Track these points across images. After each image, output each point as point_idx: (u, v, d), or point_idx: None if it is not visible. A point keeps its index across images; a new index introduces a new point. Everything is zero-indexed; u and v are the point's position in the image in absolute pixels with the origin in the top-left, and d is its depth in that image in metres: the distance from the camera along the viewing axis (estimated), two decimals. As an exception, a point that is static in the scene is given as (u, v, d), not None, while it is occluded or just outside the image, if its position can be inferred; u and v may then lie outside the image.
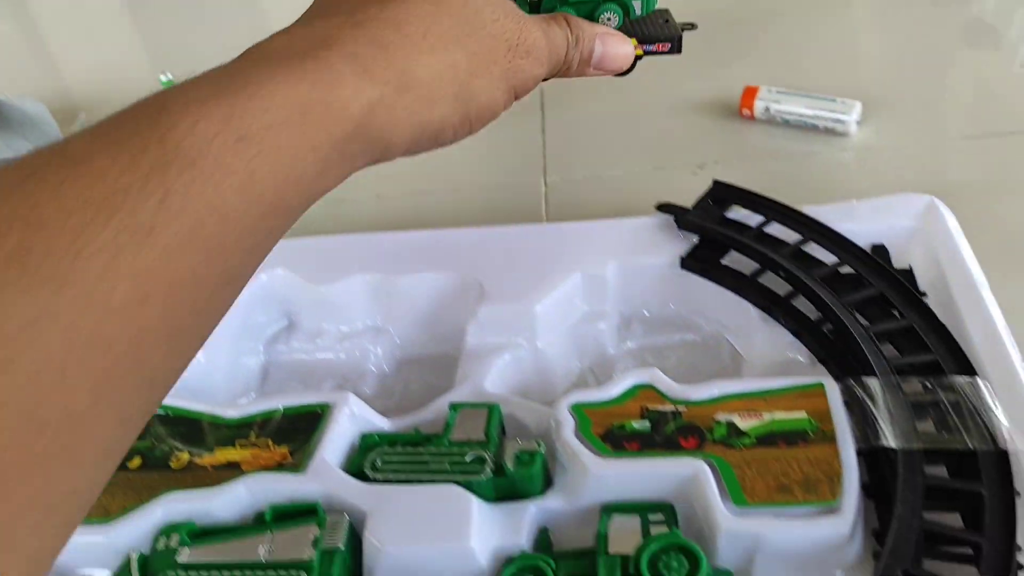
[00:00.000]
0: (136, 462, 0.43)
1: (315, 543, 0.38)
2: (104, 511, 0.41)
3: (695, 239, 0.52)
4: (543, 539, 0.40)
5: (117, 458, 0.21)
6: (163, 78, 0.67)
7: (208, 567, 0.38)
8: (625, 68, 0.39)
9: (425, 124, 0.29)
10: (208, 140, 0.22)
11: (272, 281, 0.54)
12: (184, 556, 0.38)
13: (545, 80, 0.36)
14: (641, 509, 0.39)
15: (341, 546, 0.38)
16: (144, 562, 0.39)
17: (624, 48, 0.38)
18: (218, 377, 0.51)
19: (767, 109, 0.66)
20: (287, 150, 0.23)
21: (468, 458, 0.41)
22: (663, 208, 0.54)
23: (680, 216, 0.53)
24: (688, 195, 0.58)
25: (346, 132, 0.26)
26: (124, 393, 0.20)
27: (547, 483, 0.42)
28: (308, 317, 0.54)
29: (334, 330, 0.54)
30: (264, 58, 0.25)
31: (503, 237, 0.54)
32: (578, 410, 0.43)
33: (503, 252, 0.53)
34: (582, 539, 0.40)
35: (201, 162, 0.21)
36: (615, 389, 0.44)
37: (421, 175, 0.68)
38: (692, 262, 0.51)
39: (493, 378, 0.48)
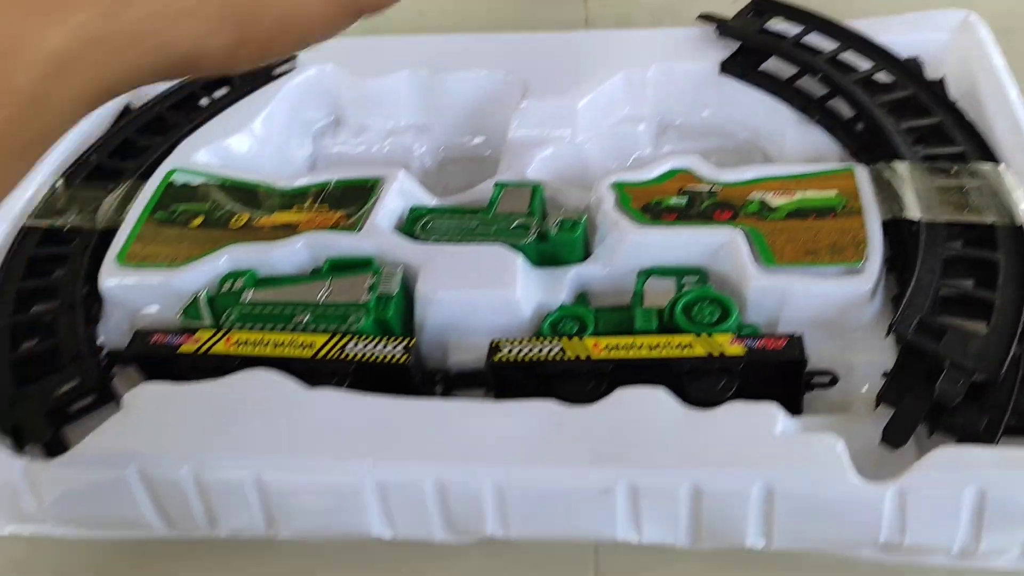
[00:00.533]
0: (198, 221, 0.46)
1: (371, 288, 0.41)
2: (170, 259, 0.43)
3: (735, 47, 0.54)
4: (582, 300, 0.43)
5: None
6: None
7: (271, 304, 0.41)
8: None
9: (163, 48, 0.23)
10: None
11: (321, 76, 0.56)
12: (248, 296, 0.41)
13: None
14: (676, 273, 0.42)
15: (395, 291, 0.41)
16: (211, 300, 0.42)
17: None
18: (268, 164, 0.53)
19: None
20: None
21: (512, 225, 0.44)
22: (705, 18, 0.55)
23: (721, 25, 0.54)
24: (728, 11, 0.59)
25: (45, 72, 0.22)
26: None
27: (585, 255, 0.44)
28: (354, 112, 0.56)
29: (379, 126, 0.56)
30: None
31: (548, 41, 0.55)
32: (619, 187, 0.45)
33: (548, 54, 0.54)
34: (619, 301, 0.43)
35: None
36: (655, 171, 0.46)
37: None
38: (732, 66, 0.53)
39: (536, 168, 0.50)
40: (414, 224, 0.45)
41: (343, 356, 0.37)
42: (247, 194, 0.48)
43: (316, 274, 0.43)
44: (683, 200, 0.44)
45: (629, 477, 0.33)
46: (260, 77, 0.55)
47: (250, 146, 0.52)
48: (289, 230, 0.45)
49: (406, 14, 0.67)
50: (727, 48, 0.54)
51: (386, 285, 0.41)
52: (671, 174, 0.46)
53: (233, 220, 0.46)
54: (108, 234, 0.46)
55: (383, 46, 0.56)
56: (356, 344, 0.38)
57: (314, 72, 0.55)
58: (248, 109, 0.53)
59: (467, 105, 0.55)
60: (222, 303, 0.41)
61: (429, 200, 0.48)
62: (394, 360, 0.37)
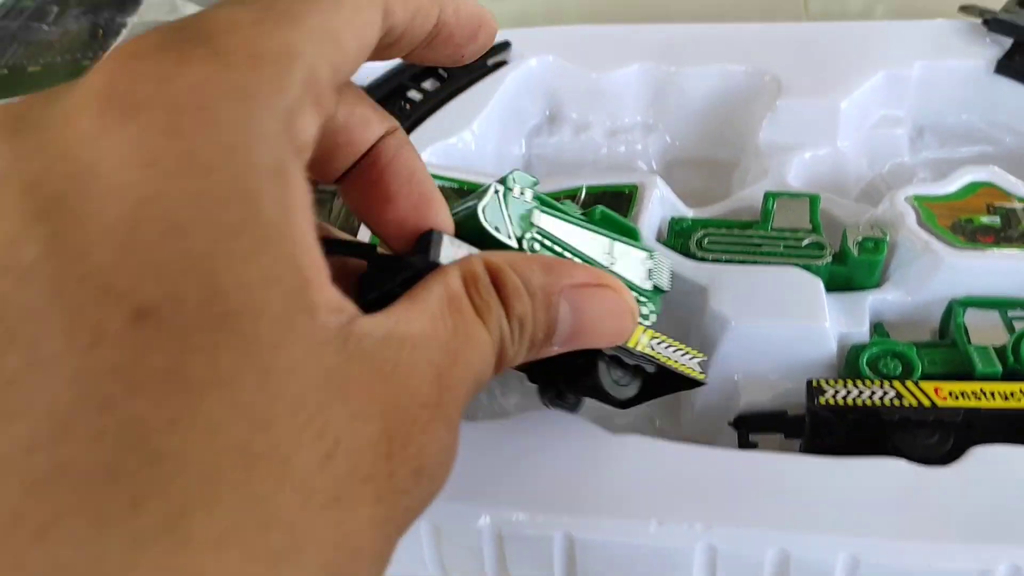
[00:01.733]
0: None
1: (649, 274, 0.35)
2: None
3: (1007, 43, 0.48)
4: (880, 331, 0.38)
5: None
6: None
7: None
8: (624, 335, 0.27)
9: None
10: None
11: (541, 68, 0.51)
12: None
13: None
14: (999, 304, 0.37)
15: (667, 289, 0.35)
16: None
17: (613, 304, 0.25)
18: (485, 162, 0.49)
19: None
20: None
21: (805, 242, 0.39)
22: (967, 9, 0.50)
23: (989, 18, 0.49)
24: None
25: None
26: None
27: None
28: (575, 108, 0.52)
29: (601, 124, 0.51)
30: None
31: (794, 32, 0.50)
32: (919, 202, 0.40)
33: (795, 47, 0.49)
34: (918, 335, 0.38)
35: None
36: (951, 185, 0.41)
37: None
38: (1008, 65, 0.47)
39: (794, 174, 0.45)
40: (681, 238, 0.40)
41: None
42: (488, 200, 0.43)
43: (589, 219, 0.33)
44: (996, 219, 0.39)
45: (1014, 558, 0.28)
46: (474, 69, 0.51)
47: (471, 144, 0.48)
48: (545, 243, 0.40)
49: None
50: (996, 44, 0.48)
51: (659, 276, 0.34)
52: (972, 188, 0.41)
53: (478, 229, 0.42)
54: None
55: (609, 35, 0.52)
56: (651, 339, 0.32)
57: (534, 64, 0.51)
58: (468, 106, 0.49)
59: (702, 103, 0.50)
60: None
61: (686, 210, 0.43)
62: (690, 375, 0.32)
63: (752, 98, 0.48)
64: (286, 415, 0.16)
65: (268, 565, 0.16)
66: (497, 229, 0.27)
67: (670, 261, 0.35)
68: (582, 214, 0.32)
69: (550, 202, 0.30)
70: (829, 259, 0.38)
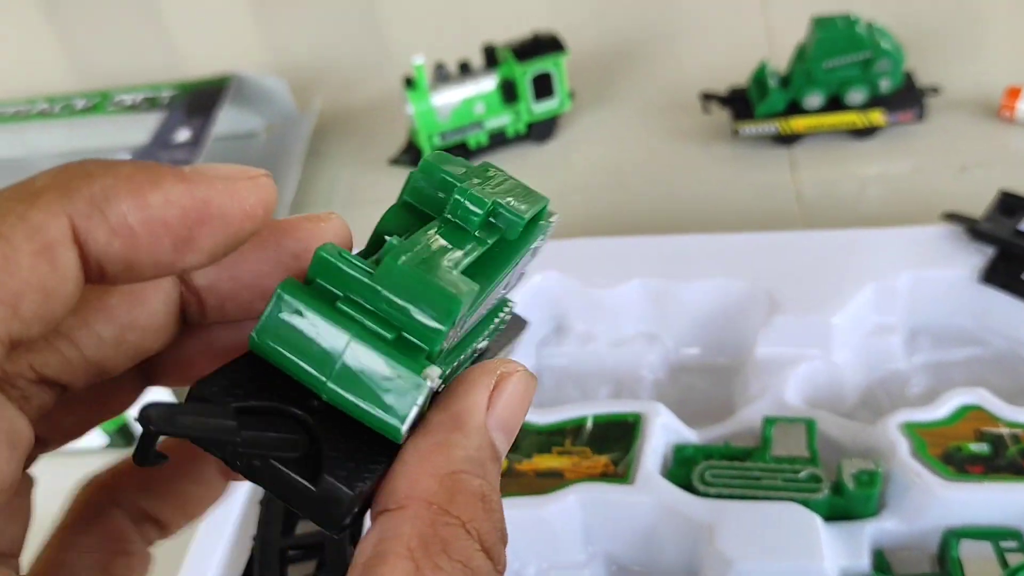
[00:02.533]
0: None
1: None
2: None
3: (990, 251, 0.51)
4: (880, 561, 0.39)
5: None
6: (417, 61, 0.66)
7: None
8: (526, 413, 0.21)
9: None
10: None
11: (545, 283, 0.54)
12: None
13: None
14: (990, 535, 0.38)
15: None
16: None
17: (526, 386, 0.21)
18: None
19: (1031, 113, 0.64)
20: None
21: (802, 475, 0.41)
22: (951, 217, 0.52)
23: (972, 227, 0.51)
24: (954, 198, 0.56)
25: None
26: None
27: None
28: (580, 320, 0.54)
29: (606, 335, 0.54)
30: None
31: (784, 242, 0.53)
32: (911, 431, 0.42)
33: (787, 258, 0.52)
34: (917, 564, 0.40)
35: None
36: (942, 409, 0.43)
37: (659, 176, 0.68)
38: (992, 275, 0.49)
39: (791, 391, 0.47)
40: (684, 468, 0.42)
41: None
42: (500, 432, 0.45)
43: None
44: (985, 447, 0.41)
45: None
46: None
47: (482, 364, 0.50)
48: (555, 478, 0.42)
49: (607, 205, 0.66)
50: (979, 251, 0.51)
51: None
52: (961, 412, 0.43)
53: (491, 464, 0.44)
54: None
55: (609, 249, 0.55)
56: None
57: (540, 279, 0.54)
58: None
59: (701, 314, 0.53)
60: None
61: (689, 434, 0.45)
62: None
63: (748, 311, 0.51)
64: None
65: None
66: (412, 427, 0.19)
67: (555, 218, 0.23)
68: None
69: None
70: (827, 492, 0.40)
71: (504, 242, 0.21)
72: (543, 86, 0.70)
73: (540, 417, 0.46)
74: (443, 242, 0.20)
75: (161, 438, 0.17)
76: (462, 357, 0.21)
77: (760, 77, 0.67)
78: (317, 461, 0.18)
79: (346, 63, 0.88)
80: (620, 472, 0.42)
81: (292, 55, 0.93)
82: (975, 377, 0.49)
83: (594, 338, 0.54)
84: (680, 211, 0.65)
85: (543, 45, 0.70)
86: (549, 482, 0.42)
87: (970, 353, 0.51)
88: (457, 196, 0.21)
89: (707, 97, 0.69)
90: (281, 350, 0.19)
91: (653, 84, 0.77)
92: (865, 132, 0.66)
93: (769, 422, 0.44)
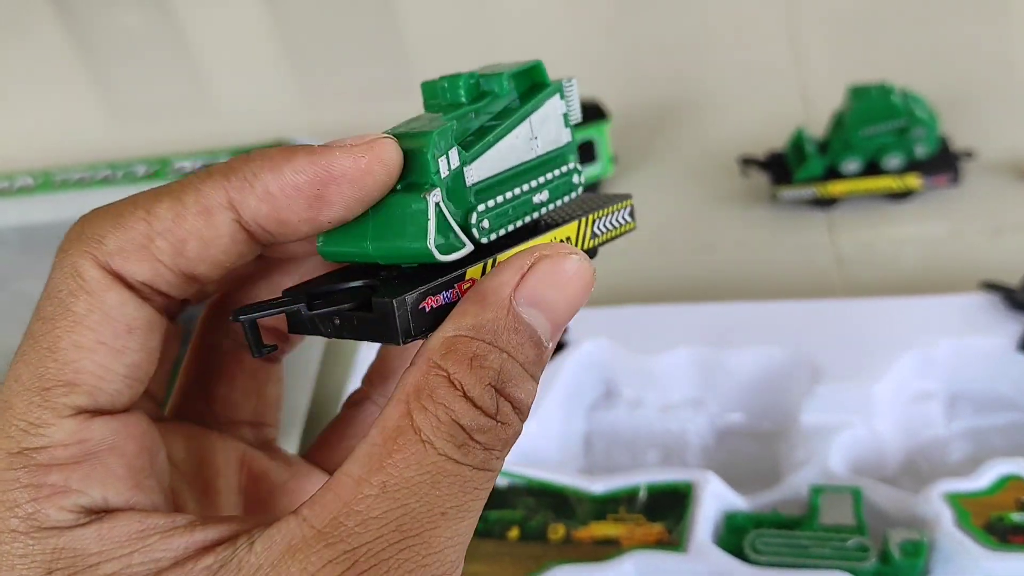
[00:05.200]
0: (515, 533, 0.46)
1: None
2: (498, 580, 0.43)
3: (1026, 320, 0.52)
4: (926, 629, 0.41)
5: None
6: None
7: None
8: (587, 291, 0.23)
9: None
10: None
11: (596, 350, 0.56)
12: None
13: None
14: (1034, 605, 0.40)
15: None
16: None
17: (572, 273, 0.23)
18: (550, 443, 0.54)
19: (1064, 177, 0.66)
20: None
21: (850, 544, 0.42)
22: (988, 287, 0.54)
23: (1010, 296, 0.53)
24: (988, 261, 0.58)
25: None
26: None
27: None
28: (629, 386, 0.56)
29: (654, 400, 0.56)
30: None
31: (827, 311, 0.55)
32: (954, 501, 0.43)
33: (829, 327, 0.54)
34: (964, 631, 0.41)
35: None
36: (983, 479, 0.44)
37: (700, 240, 0.70)
38: (1030, 345, 0.51)
39: (835, 458, 0.49)
40: (736, 536, 0.44)
41: None
42: (557, 499, 0.47)
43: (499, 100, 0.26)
44: (1027, 517, 0.42)
45: None
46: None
47: (538, 429, 0.53)
48: (611, 545, 0.44)
49: (649, 269, 0.69)
50: (1017, 320, 0.53)
51: (572, 107, 0.27)
52: (1003, 483, 0.44)
53: (550, 530, 0.46)
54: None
55: (656, 316, 0.57)
56: None
57: (588, 347, 0.56)
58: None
59: (746, 381, 0.55)
60: None
61: (737, 500, 0.47)
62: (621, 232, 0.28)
63: (791, 378, 0.53)
64: None
65: None
66: (451, 248, 0.23)
67: (575, 81, 0.27)
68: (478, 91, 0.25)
69: (465, 128, 0.24)
70: (874, 561, 0.42)
71: (508, 110, 0.25)
72: (587, 153, 0.72)
73: (594, 484, 0.48)
74: (435, 115, 0.24)
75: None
76: (512, 206, 0.25)
77: (798, 142, 0.69)
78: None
79: (387, 124, 0.91)
80: (674, 540, 0.44)
81: (335, 117, 0.96)
82: (1015, 443, 0.51)
83: (643, 403, 0.56)
84: (722, 274, 0.67)
85: (587, 113, 0.72)
86: (606, 550, 0.44)
87: (1010, 419, 0.52)
88: (443, 83, 0.25)
89: (746, 162, 0.71)
90: (336, 244, 0.24)
91: (692, 147, 0.79)
92: (901, 196, 0.68)
93: (816, 491, 0.45)
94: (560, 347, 0.56)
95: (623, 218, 0.28)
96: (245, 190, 0.22)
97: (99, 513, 0.22)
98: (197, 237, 0.22)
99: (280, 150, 0.22)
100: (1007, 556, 0.41)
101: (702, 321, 0.56)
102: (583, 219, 0.26)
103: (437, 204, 0.23)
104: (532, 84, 0.25)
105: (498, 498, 0.47)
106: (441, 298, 0.23)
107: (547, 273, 0.22)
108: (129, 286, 0.22)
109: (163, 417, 0.28)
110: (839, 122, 0.68)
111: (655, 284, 0.66)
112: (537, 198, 0.25)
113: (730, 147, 0.75)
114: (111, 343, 0.22)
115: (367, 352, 0.58)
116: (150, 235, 0.22)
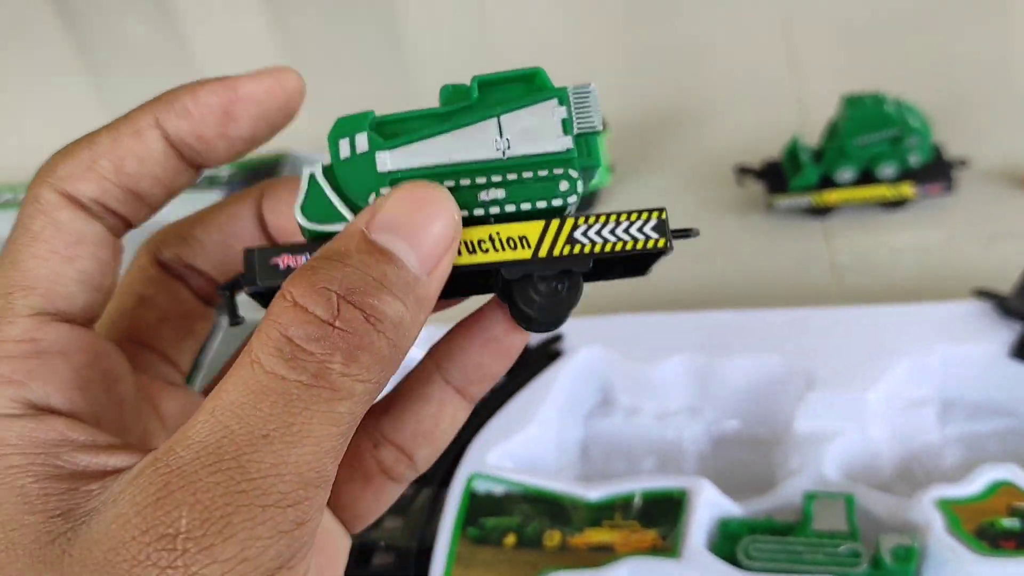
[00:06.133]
0: (512, 539, 0.46)
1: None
2: (493, 587, 0.44)
3: (1019, 327, 0.53)
4: (917, 633, 0.41)
5: None
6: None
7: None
8: (455, 228, 0.23)
9: None
10: None
11: (591, 359, 0.57)
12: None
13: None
14: (1025, 609, 0.40)
15: None
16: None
17: (430, 204, 0.23)
18: (547, 450, 0.54)
19: (1057, 185, 0.66)
20: None
21: (842, 550, 0.43)
22: (981, 294, 0.55)
23: (1002, 304, 0.53)
24: (982, 269, 0.58)
25: None
26: None
27: (913, 577, 0.43)
28: (624, 394, 0.57)
29: (650, 408, 0.56)
30: None
31: (820, 319, 0.55)
32: (945, 506, 0.44)
33: (823, 334, 0.54)
34: (955, 635, 0.42)
35: None
36: (974, 485, 0.45)
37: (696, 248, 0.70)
38: (1022, 351, 0.52)
39: (829, 465, 0.49)
40: (730, 542, 0.45)
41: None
42: (553, 506, 0.48)
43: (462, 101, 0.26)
44: (1017, 522, 0.43)
45: None
46: (530, 362, 0.56)
47: (535, 437, 0.53)
48: (606, 552, 0.45)
49: (646, 277, 0.69)
50: (1009, 327, 0.53)
51: (584, 116, 0.25)
52: (994, 488, 0.45)
53: (546, 537, 0.46)
54: (422, 552, 0.46)
55: (651, 325, 0.57)
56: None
57: (584, 355, 0.56)
58: (530, 400, 0.54)
59: (741, 389, 0.55)
60: None
61: (732, 507, 0.47)
62: (644, 248, 0.25)
63: (786, 385, 0.53)
64: None
65: None
66: (327, 217, 0.24)
67: (592, 88, 0.25)
68: (449, 105, 0.25)
69: (396, 120, 0.25)
70: (866, 566, 0.42)
71: (472, 109, 0.25)
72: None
73: (589, 492, 0.48)
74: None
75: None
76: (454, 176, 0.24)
77: (793, 151, 0.70)
78: None
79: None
80: (668, 546, 0.44)
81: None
82: (1008, 448, 0.51)
83: (639, 411, 0.56)
84: (718, 283, 0.67)
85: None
86: (601, 556, 0.45)
87: (1002, 425, 0.53)
88: (449, 88, 0.25)
89: (742, 171, 0.72)
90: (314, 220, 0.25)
91: (688, 157, 0.80)
92: (896, 204, 0.69)
93: (810, 497, 0.46)
94: (556, 355, 0.57)
95: (639, 231, 0.25)
96: (168, 111, 0.25)
97: (38, 411, 0.23)
98: (133, 155, 0.25)
99: (199, 82, 0.26)
100: (997, 561, 0.41)
101: (698, 329, 0.57)
102: (558, 220, 0.24)
103: (311, 175, 0.24)
104: (529, 89, 0.25)
105: (495, 505, 0.48)
106: (303, 259, 0.24)
107: (399, 200, 0.23)
108: (81, 205, 0.25)
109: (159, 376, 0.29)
110: (833, 131, 0.69)
111: (651, 292, 0.67)
112: (486, 195, 0.24)
113: (727, 156, 0.76)
114: (63, 252, 0.24)
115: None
116: (93, 158, 0.25)
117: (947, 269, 0.64)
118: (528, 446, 0.53)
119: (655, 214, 0.25)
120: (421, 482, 0.50)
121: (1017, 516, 0.43)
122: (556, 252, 0.24)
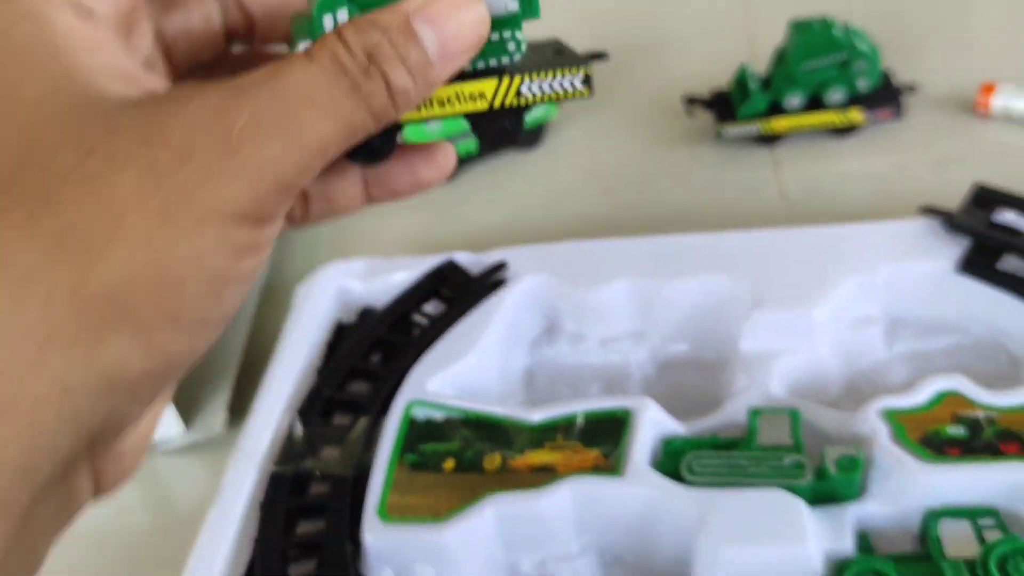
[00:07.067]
0: (450, 464, 0.45)
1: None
2: (432, 512, 0.42)
3: (966, 243, 0.52)
4: (864, 543, 0.41)
5: None
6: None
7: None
8: (477, 42, 0.26)
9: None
10: None
11: (535, 286, 0.55)
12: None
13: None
14: (968, 514, 0.40)
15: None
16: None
17: (467, 13, 0.25)
18: (490, 378, 0.53)
19: (1006, 107, 0.66)
20: None
21: (787, 463, 0.42)
22: (927, 211, 0.54)
23: (948, 219, 0.53)
24: (931, 194, 0.57)
25: None
26: None
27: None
28: (570, 321, 0.55)
29: (595, 334, 0.55)
30: None
31: (765, 240, 0.55)
32: (890, 416, 0.43)
33: (768, 255, 0.53)
34: (900, 544, 0.41)
35: None
36: (920, 396, 0.44)
37: (645, 180, 0.69)
38: (970, 266, 0.51)
39: (776, 383, 0.48)
40: (673, 460, 0.44)
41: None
42: (494, 430, 0.47)
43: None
44: (962, 430, 0.42)
45: None
46: (473, 291, 0.55)
47: (477, 365, 0.52)
48: (548, 473, 0.44)
49: (594, 210, 0.68)
50: (955, 243, 0.52)
51: None
52: (940, 398, 0.44)
53: (486, 460, 0.45)
54: (359, 480, 0.45)
55: (596, 251, 0.56)
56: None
57: (528, 283, 0.55)
58: (472, 328, 0.53)
59: (687, 311, 0.54)
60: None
61: (677, 427, 0.46)
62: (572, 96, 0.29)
63: (732, 307, 0.52)
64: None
65: None
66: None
67: None
68: None
69: None
70: (810, 477, 0.41)
71: None
72: (529, 94, 0.71)
73: (532, 414, 0.47)
74: None
75: None
76: None
77: (741, 79, 0.69)
78: None
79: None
80: (611, 465, 0.43)
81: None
82: (955, 364, 0.51)
83: (584, 338, 0.55)
84: (667, 213, 0.66)
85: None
86: (543, 477, 0.43)
87: (949, 342, 0.52)
88: None
89: (691, 101, 0.70)
90: None
91: (638, 90, 0.78)
92: (845, 131, 0.68)
93: (755, 413, 0.45)
94: (499, 284, 0.55)
95: (571, 84, 0.28)
96: None
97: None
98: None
99: None
100: (943, 468, 0.40)
101: (644, 254, 0.55)
102: (508, 77, 0.27)
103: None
104: None
105: (434, 431, 0.47)
106: None
107: (448, 4, 0.25)
108: None
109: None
110: (781, 57, 0.68)
111: (598, 222, 0.66)
112: None
113: (676, 88, 0.74)
114: None
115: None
116: None
117: (896, 194, 0.63)
118: (470, 374, 0.52)
119: (583, 69, 0.28)
120: (358, 411, 0.49)
121: (962, 424, 0.42)
122: (507, 103, 0.28)
